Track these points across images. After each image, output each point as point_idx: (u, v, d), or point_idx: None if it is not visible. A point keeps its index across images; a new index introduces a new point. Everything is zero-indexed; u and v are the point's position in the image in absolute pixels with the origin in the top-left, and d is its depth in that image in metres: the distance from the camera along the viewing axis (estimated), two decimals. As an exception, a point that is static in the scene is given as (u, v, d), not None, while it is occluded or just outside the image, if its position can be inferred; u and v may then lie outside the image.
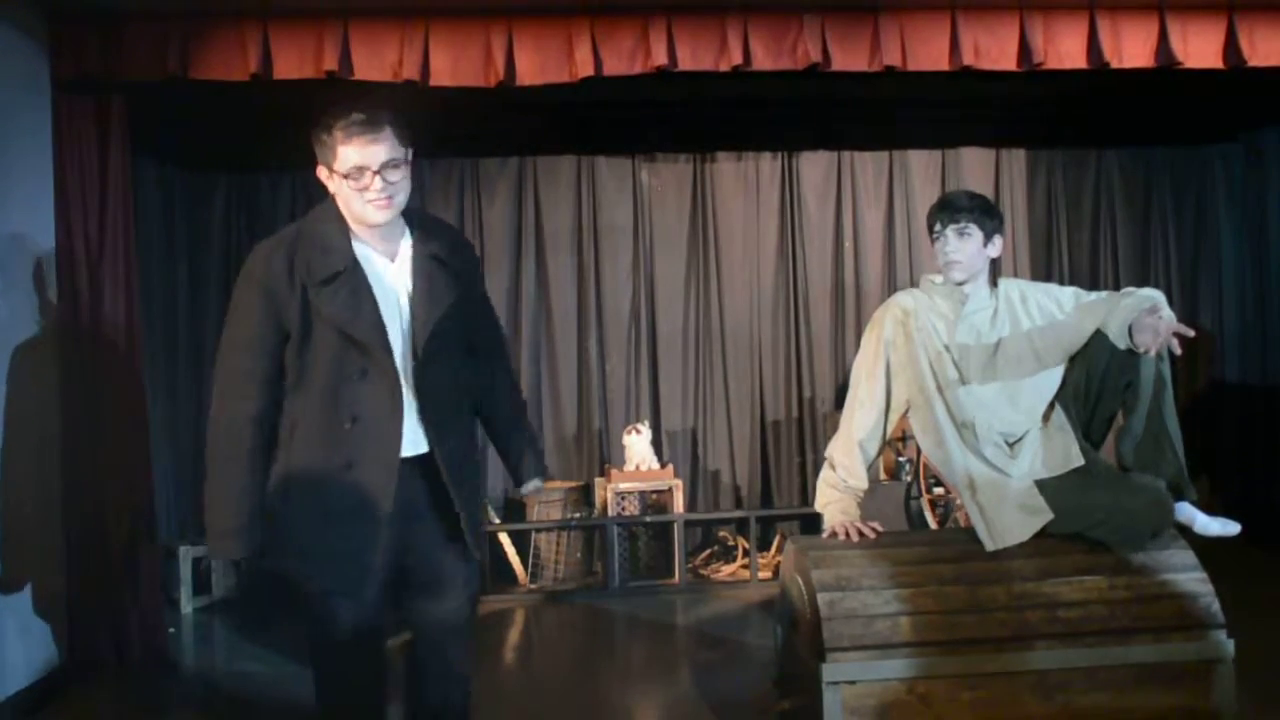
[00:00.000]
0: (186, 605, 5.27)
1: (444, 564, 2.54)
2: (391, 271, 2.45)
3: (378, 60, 4.22)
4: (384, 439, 2.38)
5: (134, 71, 4.15)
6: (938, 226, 3.00)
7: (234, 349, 2.40)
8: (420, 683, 2.62)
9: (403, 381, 2.41)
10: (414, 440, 2.43)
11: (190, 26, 4.14)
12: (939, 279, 3.05)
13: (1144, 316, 2.69)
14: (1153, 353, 2.69)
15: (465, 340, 2.57)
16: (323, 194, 2.48)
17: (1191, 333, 2.65)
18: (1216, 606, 2.68)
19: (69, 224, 4.20)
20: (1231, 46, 4.35)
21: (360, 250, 2.42)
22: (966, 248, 2.95)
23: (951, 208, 3.00)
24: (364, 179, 2.34)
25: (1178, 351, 2.65)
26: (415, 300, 2.44)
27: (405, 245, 2.48)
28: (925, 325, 2.99)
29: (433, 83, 4.24)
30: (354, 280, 2.37)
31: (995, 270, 3.06)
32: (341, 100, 2.41)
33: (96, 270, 4.24)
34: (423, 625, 2.60)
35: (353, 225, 2.42)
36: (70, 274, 4.20)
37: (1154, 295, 2.80)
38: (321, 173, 2.41)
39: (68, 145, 4.21)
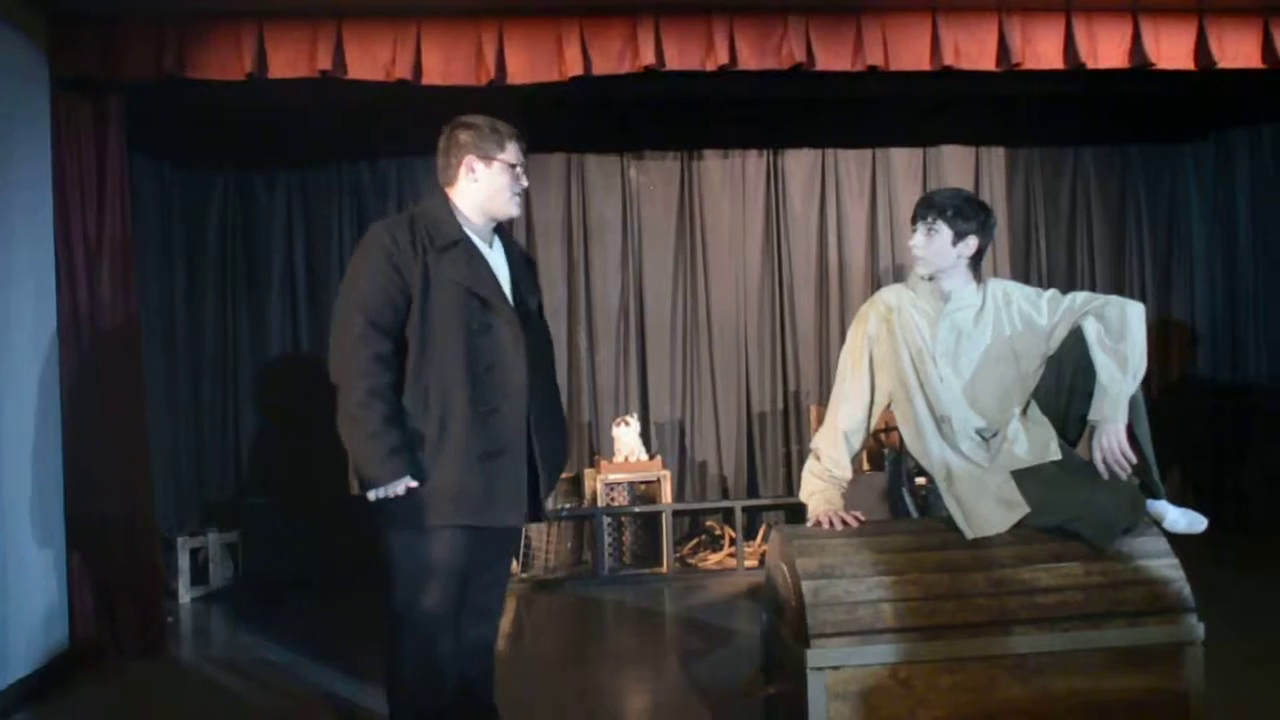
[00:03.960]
0: (185, 595, 5.34)
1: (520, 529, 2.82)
2: (491, 255, 2.86)
3: (370, 59, 4.26)
4: (516, 384, 2.69)
5: (131, 71, 4.18)
6: (913, 221, 3.07)
7: (358, 308, 2.65)
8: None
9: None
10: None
11: (186, 26, 4.17)
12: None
13: (1103, 434, 2.78)
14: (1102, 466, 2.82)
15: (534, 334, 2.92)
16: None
17: (1133, 461, 2.77)
18: (1188, 591, 2.70)
19: (68, 221, 4.23)
20: (1202, 49, 4.45)
21: (466, 230, 2.82)
22: (932, 243, 2.99)
23: (924, 204, 3.06)
24: (519, 173, 2.85)
25: (1122, 476, 2.78)
26: (514, 278, 2.88)
27: (497, 241, 2.92)
28: (908, 321, 3.02)
29: (424, 82, 4.28)
30: (469, 249, 2.78)
31: (978, 268, 3.08)
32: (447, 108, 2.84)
33: (95, 266, 4.28)
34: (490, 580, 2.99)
35: (470, 214, 2.83)
36: (69, 270, 4.23)
37: (1112, 314, 2.85)
38: (472, 162, 2.81)
39: (66, 143, 4.23)
